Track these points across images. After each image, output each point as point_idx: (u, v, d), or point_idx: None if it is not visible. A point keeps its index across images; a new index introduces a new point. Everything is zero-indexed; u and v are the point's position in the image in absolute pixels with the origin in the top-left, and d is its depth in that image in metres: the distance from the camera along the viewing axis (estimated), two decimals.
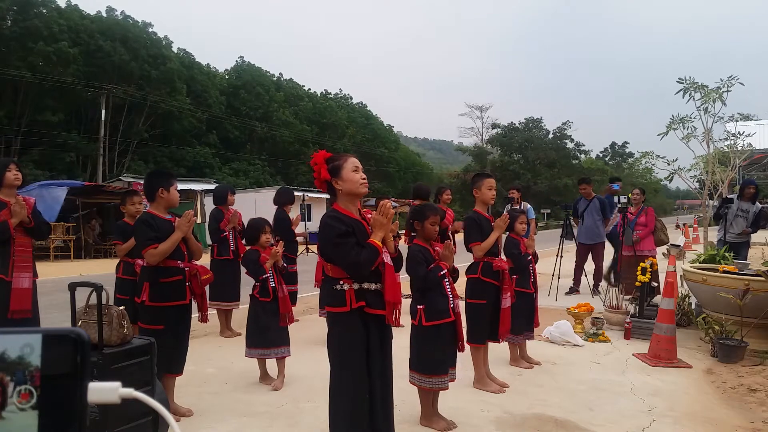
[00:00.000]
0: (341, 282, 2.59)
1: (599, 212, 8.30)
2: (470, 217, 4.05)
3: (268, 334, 4.11)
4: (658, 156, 7.51)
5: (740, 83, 6.55)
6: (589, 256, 8.42)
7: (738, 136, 7.21)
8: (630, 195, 7.52)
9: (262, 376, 4.22)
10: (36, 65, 26.54)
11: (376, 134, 51.10)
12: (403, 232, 3.93)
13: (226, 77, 41.75)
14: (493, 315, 3.98)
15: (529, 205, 8.11)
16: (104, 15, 32.58)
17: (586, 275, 8.23)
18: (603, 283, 8.12)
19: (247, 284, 6.09)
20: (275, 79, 45.47)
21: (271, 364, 4.28)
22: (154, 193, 3.45)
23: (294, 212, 6.52)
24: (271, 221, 4.73)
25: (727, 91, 6.54)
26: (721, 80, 6.62)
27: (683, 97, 6.70)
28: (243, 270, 5.91)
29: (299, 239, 6.51)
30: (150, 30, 33.96)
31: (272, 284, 4.14)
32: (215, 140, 36.70)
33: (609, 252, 8.39)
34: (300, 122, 42.08)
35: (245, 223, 6.19)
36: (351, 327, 2.59)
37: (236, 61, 44.52)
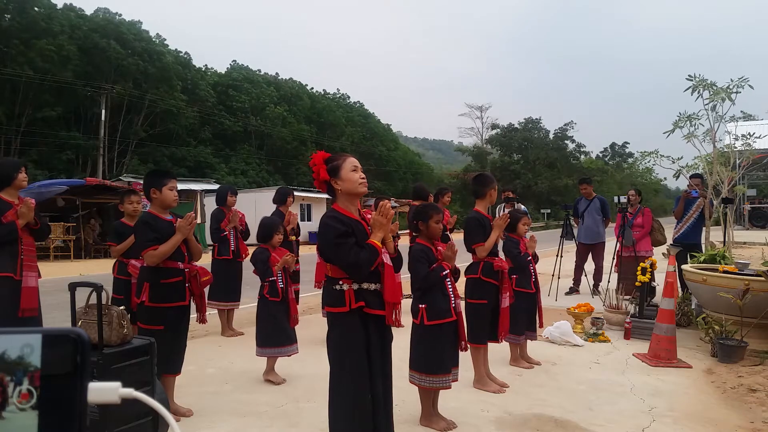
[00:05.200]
0: (341, 282, 2.59)
1: (599, 212, 8.32)
2: (474, 217, 4.05)
3: (281, 333, 4.17)
4: (663, 155, 7.49)
5: (750, 86, 6.54)
6: (589, 257, 8.43)
7: (749, 136, 7.21)
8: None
9: (267, 372, 4.23)
10: (35, 63, 26.56)
11: (374, 133, 51.09)
12: (407, 232, 3.94)
13: (217, 76, 41.65)
14: (494, 315, 3.99)
15: (523, 207, 8.14)
16: (99, 14, 32.63)
17: (586, 275, 8.23)
18: (602, 283, 8.13)
19: (247, 284, 6.12)
20: (272, 77, 45.43)
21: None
22: (148, 193, 3.47)
23: (293, 212, 6.46)
24: None
25: (737, 92, 6.53)
26: (731, 80, 6.61)
27: (692, 95, 6.68)
28: (246, 269, 5.96)
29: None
30: (141, 27, 34.03)
31: (281, 285, 4.17)
32: (209, 137, 36.64)
33: (608, 252, 8.40)
34: (298, 121, 42.07)
35: (248, 224, 6.22)
36: (351, 327, 2.59)
37: (229, 64, 44.69)
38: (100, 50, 29.65)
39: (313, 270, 5.78)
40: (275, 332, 4.17)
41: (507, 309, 4.01)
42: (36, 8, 27.77)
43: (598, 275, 8.30)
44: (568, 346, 5.33)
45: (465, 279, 4.07)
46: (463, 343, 3.37)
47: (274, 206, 5.97)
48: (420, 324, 3.27)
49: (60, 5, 30.73)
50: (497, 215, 5.73)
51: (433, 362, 3.25)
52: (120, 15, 33.53)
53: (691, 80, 6.72)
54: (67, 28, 28.87)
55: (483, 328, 3.98)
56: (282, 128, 40.02)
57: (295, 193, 6.81)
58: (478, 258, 4.00)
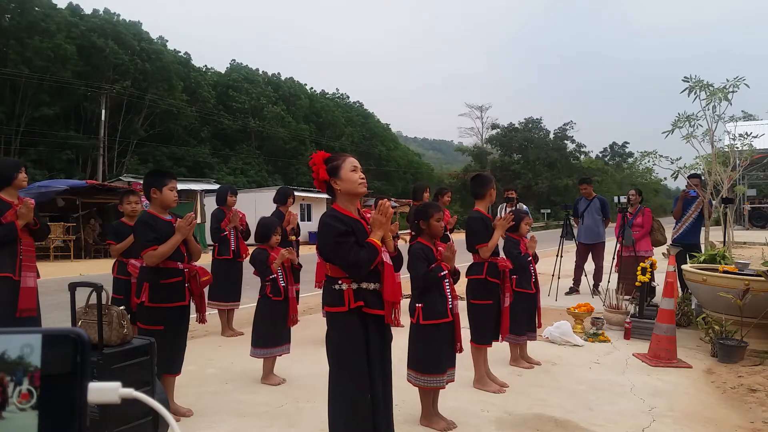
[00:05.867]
0: (340, 281, 2.59)
1: (599, 212, 8.33)
2: (476, 217, 4.03)
3: (275, 334, 4.17)
4: (662, 156, 7.49)
5: (746, 84, 6.54)
6: (589, 257, 8.43)
7: (746, 136, 7.21)
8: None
9: (265, 375, 4.23)
10: (34, 62, 26.53)
11: (374, 132, 51.06)
12: (407, 232, 3.95)
13: (217, 76, 41.65)
14: (498, 315, 4.00)
15: (524, 206, 8.13)
16: (98, 14, 32.64)
17: (586, 275, 8.23)
18: (602, 283, 8.13)
19: (247, 284, 6.12)
20: (271, 77, 45.44)
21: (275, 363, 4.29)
22: (148, 193, 3.47)
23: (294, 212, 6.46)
24: None
25: (733, 92, 6.53)
26: (727, 80, 6.61)
27: (689, 96, 6.68)
28: (246, 269, 5.96)
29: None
30: (141, 27, 34.09)
31: (282, 283, 4.17)
32: (209, 136, 36.66)
33: (608, 252, 8.40)
34: (297, 121, 42.00)
35: (248, 224, 6.21)
36: (350, 327, 2.59)
37: (229, 63, 44.77)
38: (98, 50, 29.62)
39: (313, 270, 5.78)
40: (269, 333, 4.16)
41: (507, 308, 4.02)
42: (36, 8, 27.77)
43: (598, 275, 8.30)
44: (568, 346, 5.32)
45: (466, 280, 4.07)
46: (458, 344, 3.36)
47: (274, 206, 5.97)
48: (416, 323, 3.27)
49: (63, 5, 30.81)
50: (498, 215, 5.73)
51: (429, 362, 3.25)
52: (119, 15, 33.56)
53: (688, 81, 6.72)
54: (63, 26, 28.85)
55: (488, 329, 3.99)
56: (281, 128, 40.00)
57: (295, 193, 6.80)
58: (481, 258, 3.99)
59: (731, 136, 7.66)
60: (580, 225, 8.48)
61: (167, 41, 35.98)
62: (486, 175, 4.24)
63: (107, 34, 30.55)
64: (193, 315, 3.62)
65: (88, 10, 32.47)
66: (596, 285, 8.24)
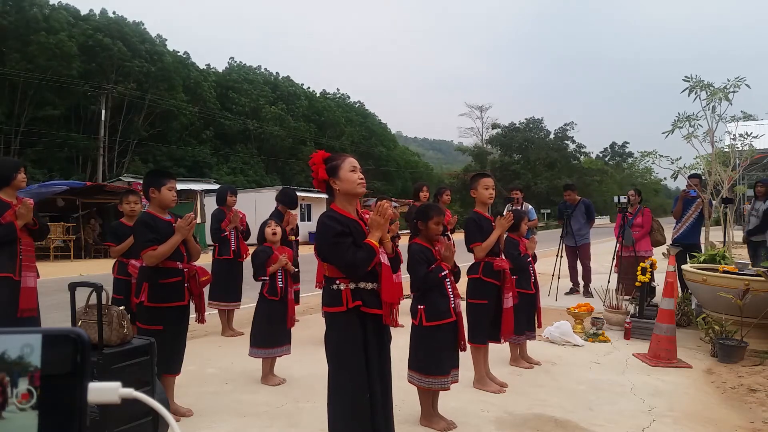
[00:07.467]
0: (338, 282, 2.60)
1: (583, 215, 8.34)
2: (470, 218, 4.05)
3: (273, 334, 4.16)
4: (662, 156, 7.49)
5: (746, 85, 6.54)
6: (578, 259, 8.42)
7: (746, 136, 7.21)
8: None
9: (264, 376, 4.23)
10: (34, 59, 26.48)
11: (373, 132, 51.01)
12: (406, 232, 3.95)
13: (216, 76, 41.66)
14: (495, 315, 3.99)
15: (530, 206, 8.12)
16: (96, 15, 32.64)
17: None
18: (602, 284, 8.12)
19: (247, 284, 6.12)
20: (272, 77, 45.43)
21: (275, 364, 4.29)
22: (147, 193, 3.47)
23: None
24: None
25: (734, 91, 6.53)
26: (728, 80, 6.62)
27: (689, 96, 6.69)
28: (246, 269, 5.96)
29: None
30: (143, 27, 34.12)
31: (280, 284, 4.17)
32: (210, 137, 36.68)
33: (608, 252, 8.38)
34: (295, 120, 41.93)
35: (248, 224, 6.22)
36: (348, 326, 2.59)
37: (228, 62, 44.84)
38: (103, 49, 29.59)
39: (313, 270, 5.79)
40: (268, 333, 4.15)
41: (510, 309, 3.99)
42: (35, 7, 27.74)
43: (586, 276, 8.28)
44: (568, 346, 5.32)
45: (466, 279, 4.07)
46: (462, 343, 3.36)
47: (274, 206, 5.98)
48: (419, 325, 3.26)
49: (56, 3, 30.75)
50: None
51: (432, 363, 3.25)
52: (124, 17, 33.53)
53: (688, 81, 6.72)
54: (65, 24, 28.83)
55: (483, 329, 3.98)
56: (281, 128, 39.94)
57: (298, 193, 6.87)
58: (477, 258, 3.99)
59: (732, 136, 7.66)
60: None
61: (166, 40, 36.00)
62: (476, 173, 4.25)
63: (113, 35, 30.52)
64: (192, 315, 3.63)
65: (84, 11, 32.50)
66: (586, 285, 8.22)
